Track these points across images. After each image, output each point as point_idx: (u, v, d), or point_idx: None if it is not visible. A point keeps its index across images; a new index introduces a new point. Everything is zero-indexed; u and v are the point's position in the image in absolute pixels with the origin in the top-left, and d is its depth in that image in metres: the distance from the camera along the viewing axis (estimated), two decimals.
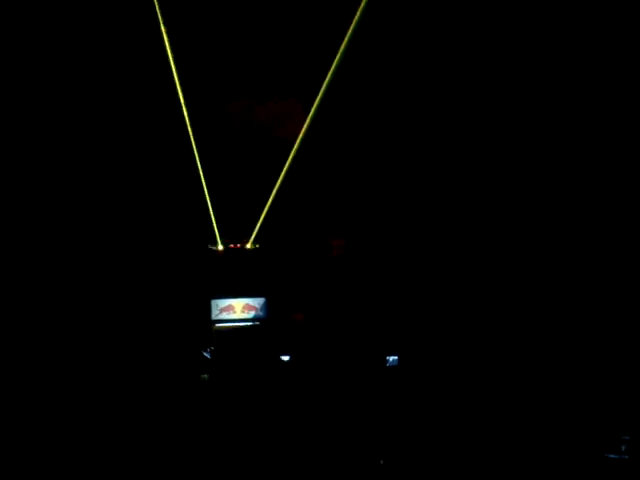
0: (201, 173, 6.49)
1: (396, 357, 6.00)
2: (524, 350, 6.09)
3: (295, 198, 6.74)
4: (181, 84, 6.38)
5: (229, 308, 6.58)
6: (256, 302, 6.51)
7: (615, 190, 6.32)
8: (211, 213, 6.63)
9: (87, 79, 6.40)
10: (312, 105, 6.67)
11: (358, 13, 6.49)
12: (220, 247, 6.72)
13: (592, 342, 5.98)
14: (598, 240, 6.27)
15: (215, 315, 6.59)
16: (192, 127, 6.53)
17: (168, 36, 6.12)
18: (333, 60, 6.66)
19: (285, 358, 6.03)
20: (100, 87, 6.45)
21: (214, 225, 6.66)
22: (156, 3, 6.15)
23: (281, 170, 6.60)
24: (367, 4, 6.58)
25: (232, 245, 6.74)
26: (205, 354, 6.39)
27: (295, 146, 6.58)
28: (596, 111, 6.36)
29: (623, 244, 6.23)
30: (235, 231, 6.79)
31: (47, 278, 6.29)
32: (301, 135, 6.59)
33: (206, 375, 6.18)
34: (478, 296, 6.46)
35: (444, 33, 6.60)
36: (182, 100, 6.28)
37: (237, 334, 6.49)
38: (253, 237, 6.71)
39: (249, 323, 6.43)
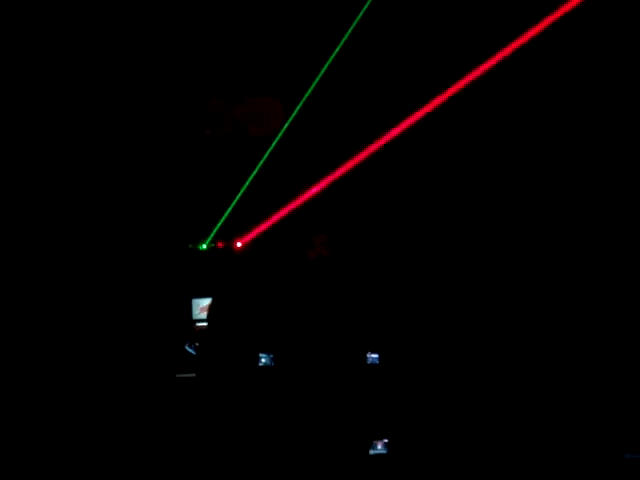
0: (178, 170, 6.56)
1: (376, 355, 5.90)
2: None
3: (275, 195, 6.71)
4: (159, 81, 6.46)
5: (204, 309, 6.53)
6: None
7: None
8: (190, 212, 6.65)
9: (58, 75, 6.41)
10: (292, 101, 6.69)
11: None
12: (200, 246, 6.70)
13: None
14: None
15: (196, 315, 6.55)
16: (170, 125, 6.58)
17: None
18: (314, 57, 6.68)
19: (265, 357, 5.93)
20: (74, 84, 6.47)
21: (194, 224, 6.67)
22: None
23: (259, 167, 6.61)
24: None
25: (212, 244, 6.71)
26: (189, 349, 6.32)
27: (274, 142, 6.61)
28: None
29: (623, 244, 6.16)
30: (215, 230, 6.76)
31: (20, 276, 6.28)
32: (282, 130, 6.62)
33: (192, 373, 6.10)
34: (465, 294, 6.39)
35: (432, 35, 6.60)
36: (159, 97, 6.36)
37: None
38: (235, 235, 6.69)
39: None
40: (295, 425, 5.35)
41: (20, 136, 6.34)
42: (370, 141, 6.60)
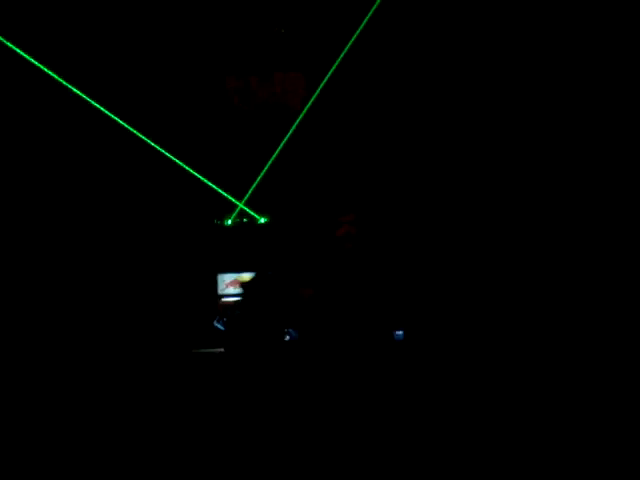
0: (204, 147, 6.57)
1: (401, 332, 5.94)
2: (544, 333, 6.02)
3: (302, 171, 6.71)
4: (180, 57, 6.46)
5: (235, 283, 6.55)
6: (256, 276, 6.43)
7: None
8: (216, 187, 6.65)
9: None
10: (320, 76, 6.66)
11: None
12: (226, 221, 6.72)
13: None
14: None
15: (221, 290, 6.58)
16: (194, 100, 6.58)
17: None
18: (342, 29, 6.65)
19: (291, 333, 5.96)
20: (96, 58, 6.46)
21: (219, 199, 6.68)
22: None
23: (287, 142, 6.60)
24: None
25: (239, 219, 6.73)
26: (218, 325, 6.33)
27: (301, 116, 6.60)
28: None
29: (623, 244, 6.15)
30: (240, 205, 6.78)
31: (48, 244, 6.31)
32: (308, 105, 6.60)
33: (221, 348, 6.12)
34: (492, 273, 6.39)
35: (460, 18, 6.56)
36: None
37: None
38: (259, 210, 6.71)
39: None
40: (319, 399, 5.39)
41: (41, 116, 6.37)
42: (396, 119, 6.59)
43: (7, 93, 6.34)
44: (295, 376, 5.50)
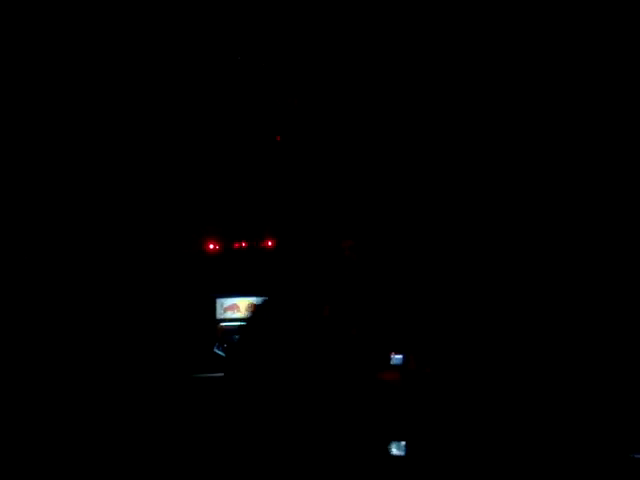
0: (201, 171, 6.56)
1: (401, 356, 5.96)
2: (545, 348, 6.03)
3: (302, 196, 6.73)
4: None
5: (234, 307, 6.57)
6: (261, 301, 6.48)
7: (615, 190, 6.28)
8: (215, 212, 6.67)
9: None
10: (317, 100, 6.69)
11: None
12: (224, 246, 6.74)
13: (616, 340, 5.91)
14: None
15: (220, 314, 6.59)
16: (191, 120, 6.56)
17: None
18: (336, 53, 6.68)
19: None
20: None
21: (218, 223, 6.69)
22: None
23: (287, 168, 6.62)
24: None
25: (237, 244, 6.75)
26: (218, 352, 6.34)
27: (299, 144, 6.62)
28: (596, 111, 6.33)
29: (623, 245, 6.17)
30: (240, 230, 6.80)
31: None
32: (305, 132, 6.63)
33: (221, 374, 6.12)
34: (488, 298, 6.41)
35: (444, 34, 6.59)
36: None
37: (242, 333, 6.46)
38: (258, 236, 6.73)
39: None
40: (317, 421, 5.38)
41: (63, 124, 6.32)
42: (393, 143, 6.62)
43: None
44: (293, 398, 5.49)
